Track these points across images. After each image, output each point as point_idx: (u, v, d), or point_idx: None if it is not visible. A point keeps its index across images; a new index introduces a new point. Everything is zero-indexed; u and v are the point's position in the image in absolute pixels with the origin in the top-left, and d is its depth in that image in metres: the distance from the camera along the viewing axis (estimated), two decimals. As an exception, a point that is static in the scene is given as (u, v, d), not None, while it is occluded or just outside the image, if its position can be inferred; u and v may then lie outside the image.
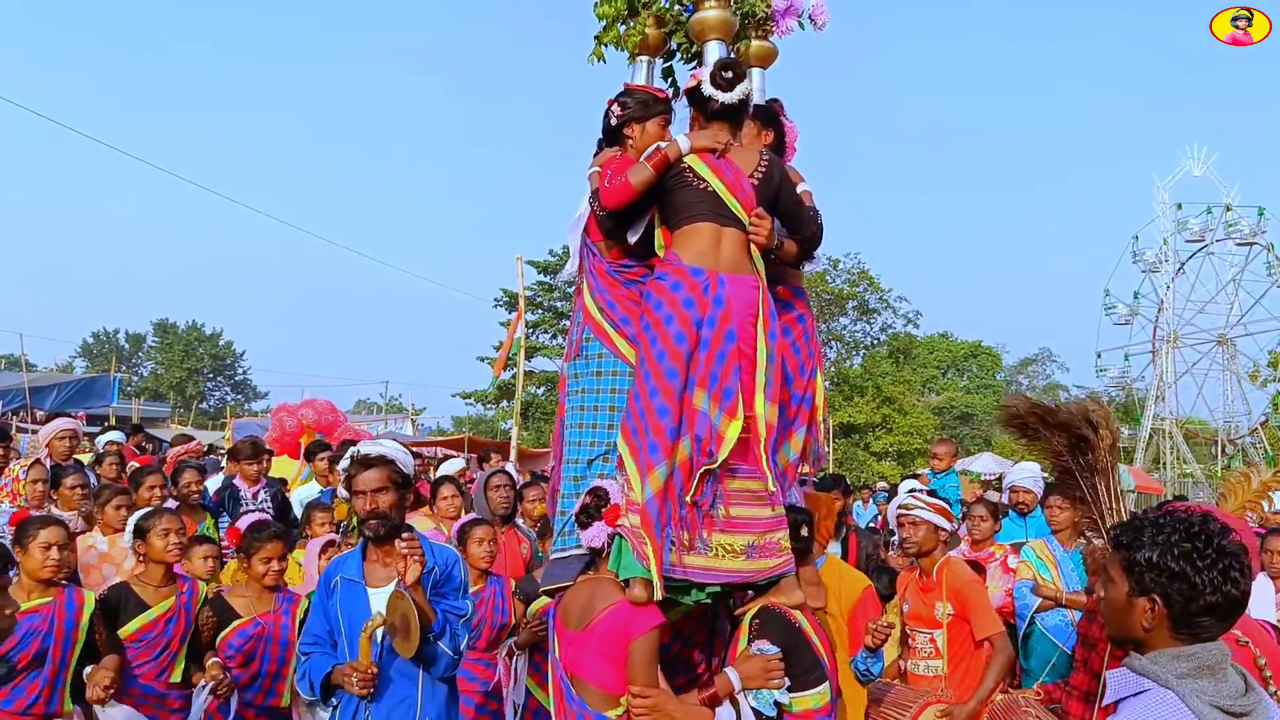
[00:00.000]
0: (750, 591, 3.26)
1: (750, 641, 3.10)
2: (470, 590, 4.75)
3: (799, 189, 3.62)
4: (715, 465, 3.10)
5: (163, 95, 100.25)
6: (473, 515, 5.28)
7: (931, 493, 4.91)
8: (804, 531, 3.49)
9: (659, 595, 3.00)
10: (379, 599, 3.43)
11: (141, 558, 4.39)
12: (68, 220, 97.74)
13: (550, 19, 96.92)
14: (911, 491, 5.05)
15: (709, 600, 3.23)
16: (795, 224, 3.50)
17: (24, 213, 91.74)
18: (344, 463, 3.63)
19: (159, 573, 4.33)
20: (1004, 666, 4.45)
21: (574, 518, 3.30)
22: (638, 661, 2.96)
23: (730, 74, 3.38)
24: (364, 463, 3.53)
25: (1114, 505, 3.03)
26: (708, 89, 3.38)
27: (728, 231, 3.29)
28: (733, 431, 3.11)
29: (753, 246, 3.33)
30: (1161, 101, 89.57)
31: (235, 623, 4.27)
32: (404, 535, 3.40)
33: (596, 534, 3.16)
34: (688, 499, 3.08)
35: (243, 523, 4.71)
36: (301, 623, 4.20)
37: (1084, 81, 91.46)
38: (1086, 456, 3.46)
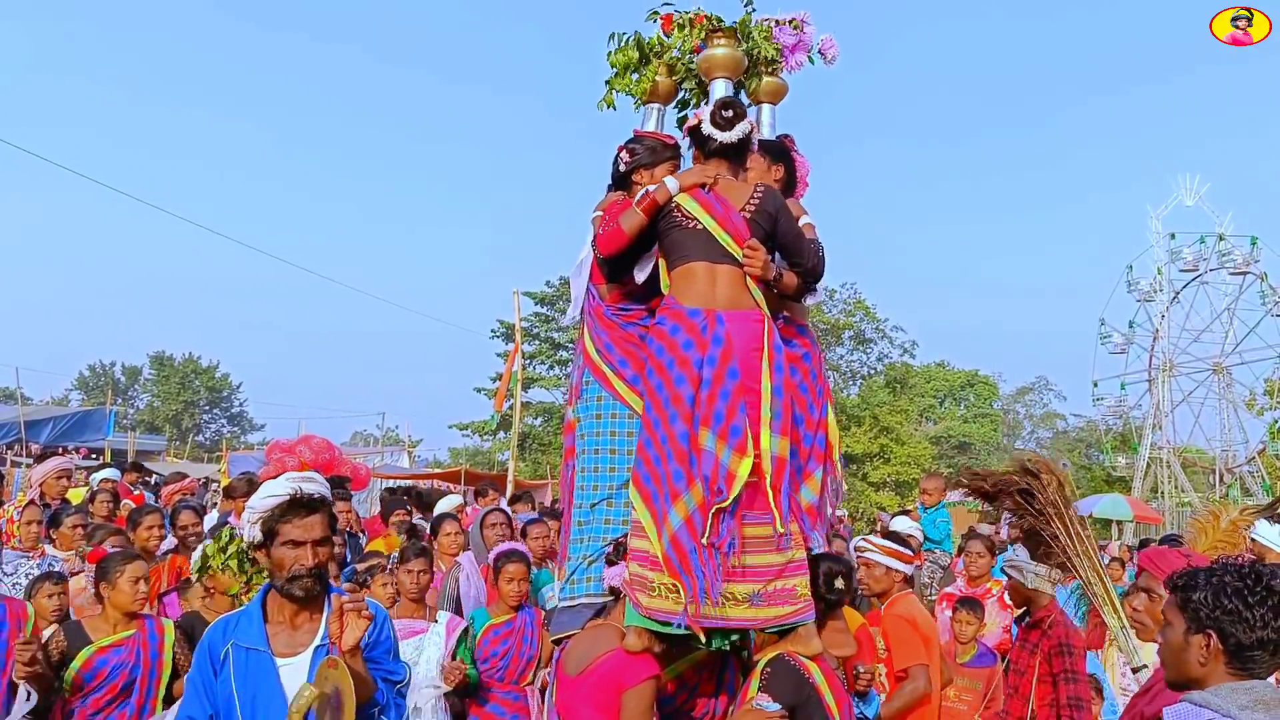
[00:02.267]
0: (765, 637, 3.20)
1: (759, 691, 3.02)
2: (497, 621, 4.84)
3: (801, 222, 3.58)
4: (727, 503, 3.03)
5: (155, 131, 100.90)
6: (511, 545, 5.26)
7: (891, 534, 5.00)
8: (839, 584, 3.39)
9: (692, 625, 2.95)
10: (293, 675, 2.79)
11: (209, 593, 4.50)
12: (63, 253, 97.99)
13: (551, 58, 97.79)
14: (870, 533, 5.11)
15: (717, 649, 3.18)
16: (795, 255, 3.44)
17: (19, 246, 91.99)
18: (266, 500, 2.87)
19: (226, 603, 4.39)
20: (909, 695, 4.44)
21: (605, 556, 3.29)
22: (631, 712, 2.92)
23: (730, 113, 3.38)
24: (308, 505, 2.86)
25: (1077, 545, 3.06)
26: (707, 128, 3.38)
27: (721, 269, 3.25)
28: (743, 469, 3.05)
29: (750, 281, 3.29)
30: (1155, 130, 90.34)
31: None
32: (347, 589, 2.91)
33: (617, 573, 3.15)
34: (704, 541, 3.01)
35: None
36: None
37: (1078, 110, 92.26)
38: (1035, 504, 3.50)
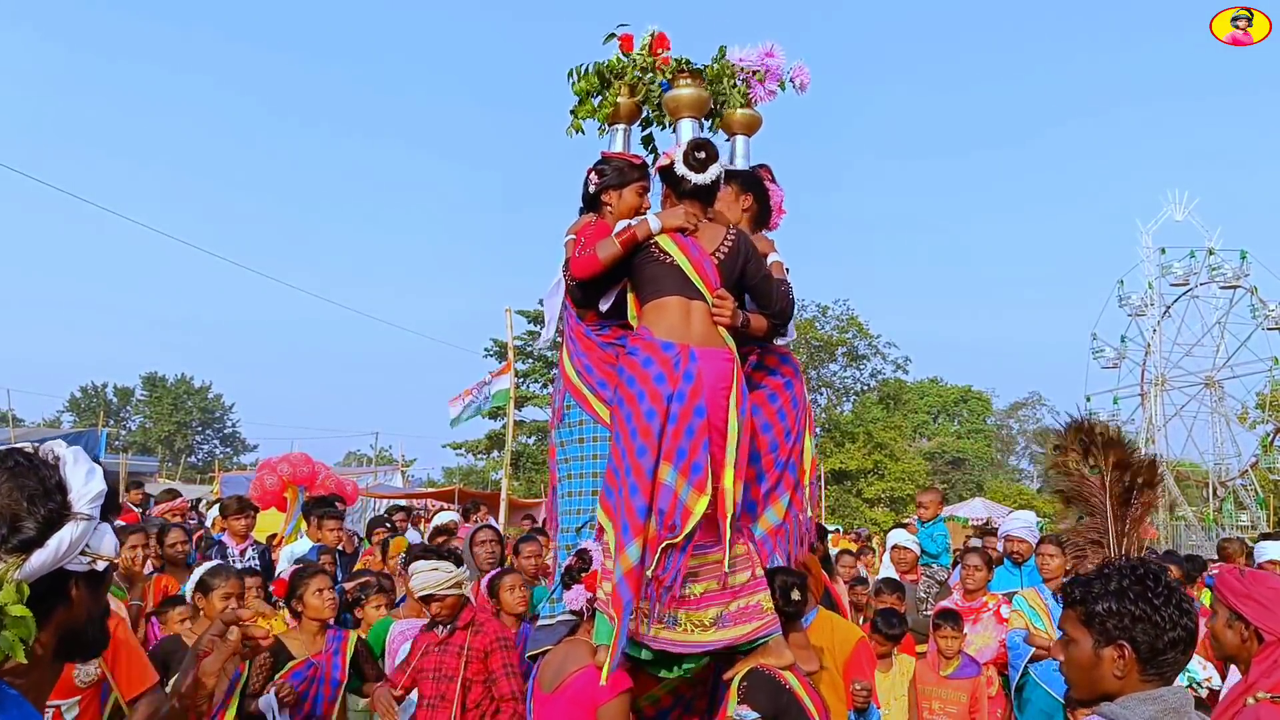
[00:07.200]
0: (739, 655, 3.21)
1: (738, 704, 3.04)
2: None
3: (770, 259, 3.62)
4: (679, 539, 3.05)
5: (149, 151, 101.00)
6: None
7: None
8: (795, 595, 3.40)
9: (606, 676, 2.96)
10: None
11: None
12: (55, 274, 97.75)
13: (540, 74, 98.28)
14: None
15: (687, 675, 3.19)
16: (763, 299, 3.49)
17: (10, 267, 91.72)
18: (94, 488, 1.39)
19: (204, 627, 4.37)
20: None
21: (560, 579, 3.28)
22: None
23: (703, 154, 3.40)
24: None
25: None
26: (680, 169, 3.40)
27: (696, 305, 3.29)
28: (699, 506, 3.07)
29: None
30: (1145, 146, 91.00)
31: (290, 664, 4.35)
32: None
33: (577, 596, 3.15)
34: (648, 574, 3.03)
35: (288, 572, 4.93)
36: (352, 660, 4.38)
37: (1068, 126, 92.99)
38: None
